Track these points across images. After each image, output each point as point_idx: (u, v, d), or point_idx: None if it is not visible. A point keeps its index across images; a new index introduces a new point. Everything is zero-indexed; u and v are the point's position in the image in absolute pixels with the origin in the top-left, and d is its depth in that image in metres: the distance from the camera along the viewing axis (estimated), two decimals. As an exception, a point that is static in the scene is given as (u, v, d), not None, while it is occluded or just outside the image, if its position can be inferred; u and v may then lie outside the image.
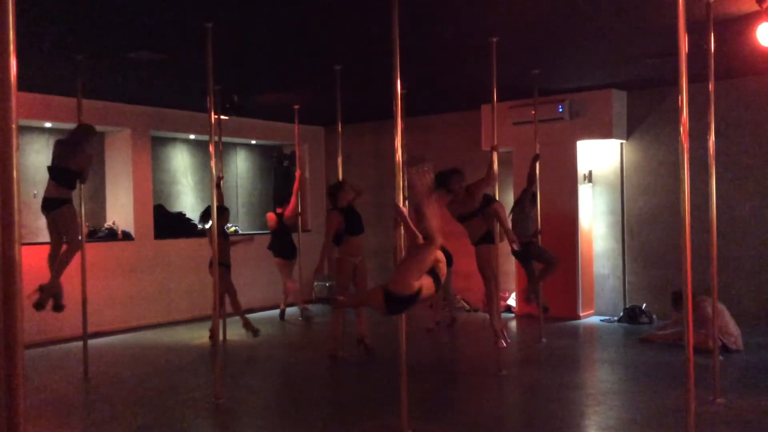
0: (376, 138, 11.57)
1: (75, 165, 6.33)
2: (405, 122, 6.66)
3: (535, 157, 7.97)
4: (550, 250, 8.01)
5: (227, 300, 8.32)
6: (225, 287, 8.05)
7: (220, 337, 7.45)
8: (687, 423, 3.88)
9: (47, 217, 6.39)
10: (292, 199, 9.97)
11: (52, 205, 6.32)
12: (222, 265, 7.74)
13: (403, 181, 4.87)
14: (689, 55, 3.88)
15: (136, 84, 8.27)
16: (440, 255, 4.13)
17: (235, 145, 11.91)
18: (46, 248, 8.62)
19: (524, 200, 8.05)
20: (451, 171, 6.71)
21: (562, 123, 9.42)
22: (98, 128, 9.50)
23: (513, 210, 8.14)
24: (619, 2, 5.50)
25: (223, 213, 8.25)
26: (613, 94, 9.22)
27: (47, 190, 6.35)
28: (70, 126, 8.43)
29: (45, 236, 9.26)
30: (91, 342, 6.94)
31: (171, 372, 7.00)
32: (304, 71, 7.83)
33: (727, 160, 8.56)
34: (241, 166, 12.20)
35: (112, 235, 9.48)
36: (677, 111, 3.95)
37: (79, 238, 6.45)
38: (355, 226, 7.33)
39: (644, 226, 9.42)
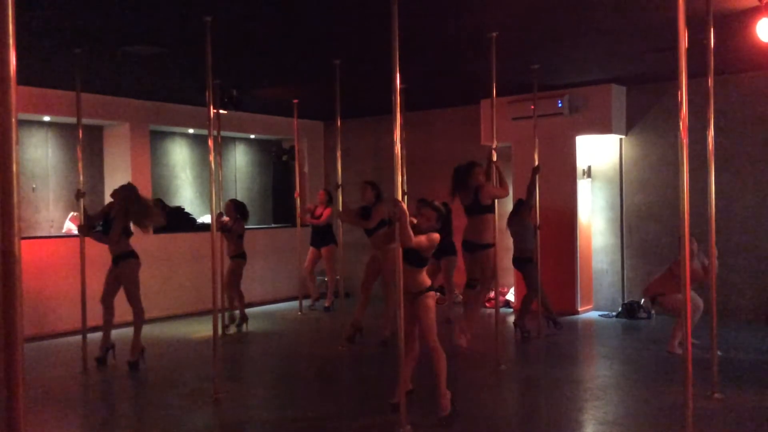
0: (376, 133, 11.56)
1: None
2: (404, 117, 6.68)
3: (535, 169, 7.86)
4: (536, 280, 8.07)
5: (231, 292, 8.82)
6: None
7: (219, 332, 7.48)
8: (685, 418, 3.89)
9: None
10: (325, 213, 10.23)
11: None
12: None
13: (403, 177, 4.88)
14: (689, 51, 3.88)
15: (134, 78, 8.26)
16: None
17: (234, 139, 11.90)
18: (46, 242, 8.69)
19: (522, 211, 8.02)
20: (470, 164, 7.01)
21: (561, 118, 9.42)
22: (97, 122, 9.57)
23: (511, 221, 8.14)
24: (619, -3, 5.50)
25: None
26: (613, 89, 9.21)
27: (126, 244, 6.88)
28: (69, 120, 8.44)
29: (44, 230, 9.31)
30: (90, 336, 6.94)
31: (170, 366, 7.01)
32: (303, 66, 7.81)
33: (726, 155, 8.56)
34: (240, 160, 12.19)
35: (111, 229, 9.46)
36: (677, 106, 3.95)
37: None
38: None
39: (643, 221, 9.42)
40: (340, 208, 7.56)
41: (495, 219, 6.77)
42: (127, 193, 6.86)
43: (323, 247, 10.22)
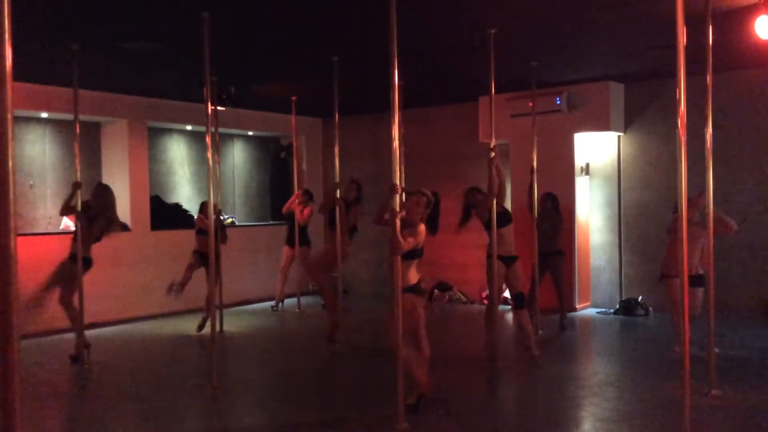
0: (374, 130, 11.54)
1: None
2: (402, 114, 6.65)
3: (531, 170, 7.88)
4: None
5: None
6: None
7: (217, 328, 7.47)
8: (682, 415, 3.90)
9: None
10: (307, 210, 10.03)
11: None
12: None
13: (400, 174, 4.88)
14: (687, 48, 3.87)
15: (132, 74, 8.24)
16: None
17: (231, 136, 11.89)
18: (42, 239, 8.67)
19: (551, 206, 8.24)
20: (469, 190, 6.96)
21: (559, 115, 9.41)
22: (95, 119, 9.55)
23: (543, 217, 8.18)
24: (618, -6, 5.49)
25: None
26: (611, 87, 9.20)
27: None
28: (67, 116, 8.42)
29: (41, 227, 9.29)
30: (87, 333, 6.94)
31: (168, 363, 7.01)
32: (301, 62, 7.80)
33: (724, 152, 8.55)
34: (237, 157, 12.18)
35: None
36: (675, 103, 3.95)
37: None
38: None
39: (641, 218, 9.43)
40: (337, 204, 7.57)
41: (494, 232, 6.73)
42: (110, 200, 6.81)
43: (299, 247, 10.12)
